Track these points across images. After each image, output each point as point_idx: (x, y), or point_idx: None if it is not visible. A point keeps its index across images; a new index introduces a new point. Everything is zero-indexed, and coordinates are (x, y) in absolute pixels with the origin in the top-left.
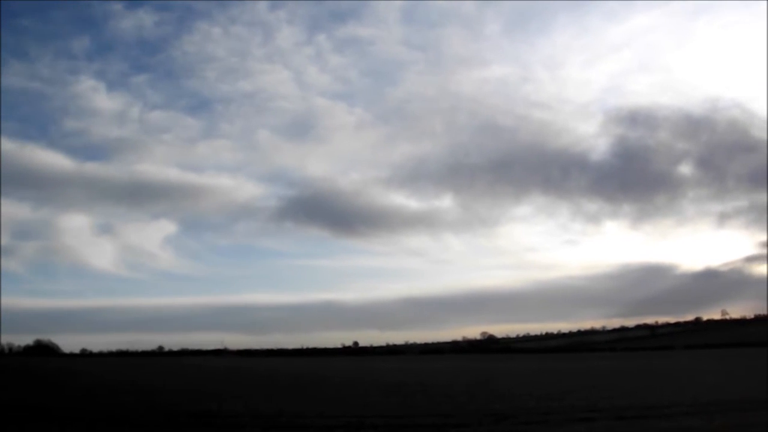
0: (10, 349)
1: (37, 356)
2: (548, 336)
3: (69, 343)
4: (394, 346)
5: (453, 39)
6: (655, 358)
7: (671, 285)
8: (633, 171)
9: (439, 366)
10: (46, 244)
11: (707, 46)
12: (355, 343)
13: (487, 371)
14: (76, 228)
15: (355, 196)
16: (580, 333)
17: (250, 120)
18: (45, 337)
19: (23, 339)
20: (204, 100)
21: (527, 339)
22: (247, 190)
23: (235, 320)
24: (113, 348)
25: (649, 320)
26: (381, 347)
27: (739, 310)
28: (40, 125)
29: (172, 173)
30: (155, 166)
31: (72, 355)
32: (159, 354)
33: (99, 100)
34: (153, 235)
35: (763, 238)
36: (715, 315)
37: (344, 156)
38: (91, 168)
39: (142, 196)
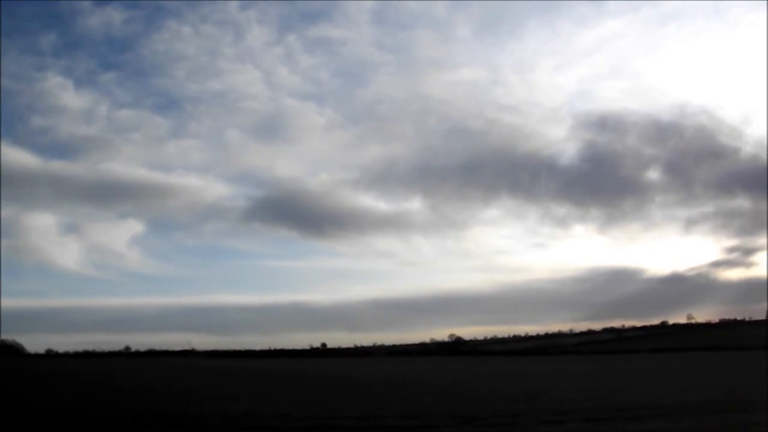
0: None
1: (1, 356)
2: (516, 338)
3: (34, 343)
4: (363, 347)
5: (424, 41)
6: (621, 361)
7: (638, 289)
8: (601, 176)
9: (407, 368)
10: (11, 243)
11: (676, 52)
12: (324, 345)
13: (455, 373)
14: (41, 227)
15: (324, 197)
16: (547, 336)
17: (220, 120)
18: (9, 337)
19: None
20: (173, 99)
21: (495, 341)
22: (215, 190)
23: (203, 321)
24: (79, 348)
25: (616, 324)
26: (349, 349)
27: (704, 314)
28: (5, 122)
29: (139, 172)
30: (123, 165)
31: (37, 356)
32: (125, 354)
33: (66, 97)
34: (120, 234)
35: (729, 243)
36: (681, 319)
37: (313, 157)
38: (58, 166)
39: (110, 195)
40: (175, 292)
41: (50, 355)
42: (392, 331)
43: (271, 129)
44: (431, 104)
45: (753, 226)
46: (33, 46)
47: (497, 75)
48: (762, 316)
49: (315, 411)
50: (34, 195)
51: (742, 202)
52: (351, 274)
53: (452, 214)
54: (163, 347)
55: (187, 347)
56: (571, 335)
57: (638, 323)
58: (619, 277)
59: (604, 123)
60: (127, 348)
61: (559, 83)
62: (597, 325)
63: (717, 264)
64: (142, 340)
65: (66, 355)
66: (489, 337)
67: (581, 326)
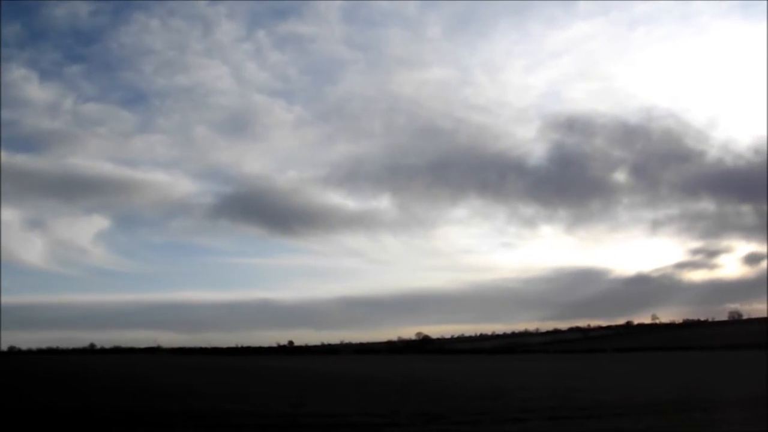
0: None
1: None
2: (483, 337)
3: None
4: (330, 345)
5: (394, 40)
6: (586, 360)
7: (604, 289)
8: (569, 176)
9: (374, 366)
10: None
11: (645, 56)
12: (291, 343)
13: (422, 371)
14: (5, 222)
15: (292, 195)
16: (514, 335)
17: (187, 115)
18: None
19: None
20: (140, 94)
21: (462, 340)
22: (182, 186)
23: (169, 318)
24: (43, 346)
25: (582, 323)
26: (316, 346)
27: (668, 314)
28: None
29: (105, 167)
30: (88, 160)
31: None
32: (90, 352)
33: (31, 90)
34: (85, 230)
35: (693, 245)
36: (646, 319)
37: (282, 154)
38: (22, 160)
39: (75, 190)
40: (141, 288)
41: (13, 353)
42: (359, 329)
43: (239, 125)
44: (401, 103)
45: (717, 229)
46: None
47: (467, 75)
48: (724, 317)
49: (281, 408)
50: None
51: (707, 204)
52: (319, 272)
53: (421, 212)
54: (129, 344)
55: (153, 344)
56: (538, 334)
57: (604, 323)
58: (586, 277)
59: (573, 124)
60: (92, 345)
61: (528, 84)
62: (563, 325)
63: (681, 265)
64: (107, 338)
65: (30, 353)
66: (456, 335)
67: (547, 325)
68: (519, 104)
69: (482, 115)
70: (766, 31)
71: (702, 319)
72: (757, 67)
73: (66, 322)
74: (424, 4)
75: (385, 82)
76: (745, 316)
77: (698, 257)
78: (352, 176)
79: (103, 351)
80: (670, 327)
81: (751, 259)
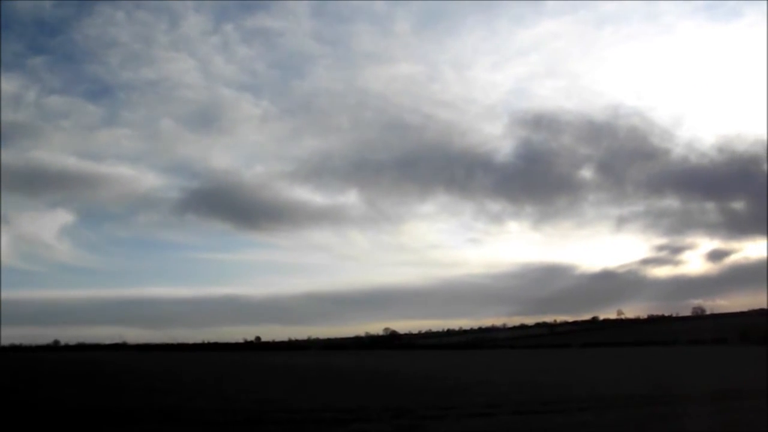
0: None
1: None
2: (450, 332)
3: None
4: (297, 341)
5: (363, 35)
6: (553, 355)
7: (570, 285)
8: (536, 173)
9: (341, 361)
10: None
11: (611, 54)
12: (258, 338)
13: (389, 367)
14: None
15: (259, 190)
16: (481, 330)
17: (153, 109)
18: None
19: None
20: (105, 87)
21: (429, 335)
22: (148, 180)
23: (135, 314)
24: (6, 342)
25: (549, 318)
26: (283, 342)
27: (634, 310)
28: None
29: (70, 161)
30: (52, 154)
31: None
32: (54, 348)
33: None
34: (49, 225)
35: (658, 242)
36: (611, 315)
37: (249, 148)
38: None
39: (38, 184)
40: (106, 284)
41: None
42: (327, 324)
43: (206, 119)
44: (368, 98)
45: (681, 226)
46: None
47: (435, 71)
48: (688, 313)
49: (247, 404)
50: None
51: (672, 202)
52: (286, 267)
53: (388, 208)
54: (94, 341)
55: (118, 341)
56: (505, 329)
57: (570, 318)
58: (552, 273)
59: (540, 121)
60: (56, 342)
61: (496, 81)
62: (530, 320)
63: (646, 261)
64: (72, 334)
65: None
66: (423, 330)
67: (514, 321)
68: (486, 101)
69: (450, 111)
70: (731, 32)
71: (666, 314)
72: (721, 68)
73: (29, 319)
74: (392, 0)
75: (353, 78)
76: (708, 312)
77: (663, 253)
78: (319, 171)
79: (68, 348)
80: (635, 322)
81: (715, 255)
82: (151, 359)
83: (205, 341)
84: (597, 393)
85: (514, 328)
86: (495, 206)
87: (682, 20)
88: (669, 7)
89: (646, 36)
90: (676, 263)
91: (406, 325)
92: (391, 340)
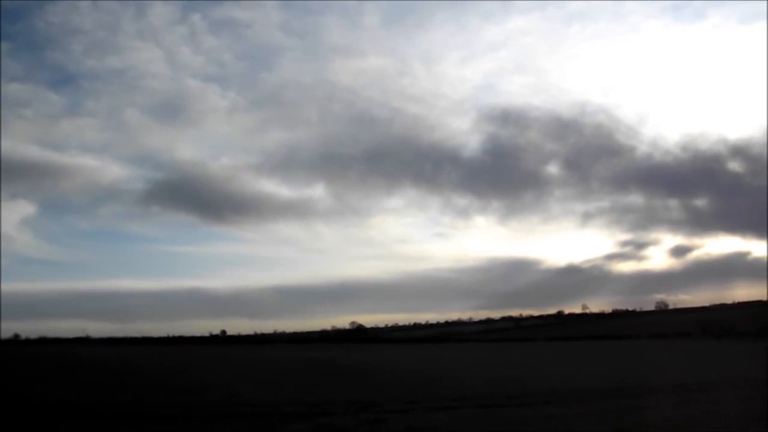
0: None
1: None
2: (416, 326)
3: None
4: (263, 334)
5: (332, 28)
6: (519, 349)
7: (536, 279)
8: (503, 168)
9: (307, 355)
10: None
11: (579, 52)
12: (223, 332)
13: (356, 360)
14: None
15: (225, 182)
16: (447, 324)
17: (118, 98)
18: None
19: None
20: (68, 75)
21: (396, 329)
22: (112, 171)
23: (98, 307)
24: None
25: (514, 313)
26: (249, 336)
27: (598, 304)
28: None
29: (31, 151)
30: (13, 143)
31: None
32: (15, 342)
33: None
34: (10, 216)
35: (622, 237)
36: (576, 309)
37: (215, 140)
38: None
39: None
40: (68, 277)
41: None
42: (293, 318)
43: (172, 110)
44: (337, 91)
45: (645, 222)
46: None
47: (404, 65)
48: (651, 307)
49: (211, 398)
50: None
51: (636, 198)
52: (252, 260)
53: (355, 201)
54: (56, 335)
55: (81, 335)
56: (471, 323)
57: (535, 312)
58: (518, 267)
59: (507, 117)
60: (17, 336)
61: (464, 76)
62: (496, 314)
63: (611, 257)
64: (33, 328)
65: None
66: (390, 324)
67: (480, 315)
68: (455, 96)
69: (418, 105)
70: (696, 33)
71: (630, 308)
72: (685, 68)
73: None
74: None
75: (321, 71)
76: (671, 306)
77: (627, 249)
78: (286, 164)
79: (29, 342)
80: (599, 316)
81: (677, 251)
82: (114, 353)
83: (170, 335)
84: (562, 386)
85: (480, 322)
86: (462, 201)
87: (648, 20)
88: (635, 7)
89: (613, 35)
90: (640, 258)
91: (372, 318)
92: (358, 333)
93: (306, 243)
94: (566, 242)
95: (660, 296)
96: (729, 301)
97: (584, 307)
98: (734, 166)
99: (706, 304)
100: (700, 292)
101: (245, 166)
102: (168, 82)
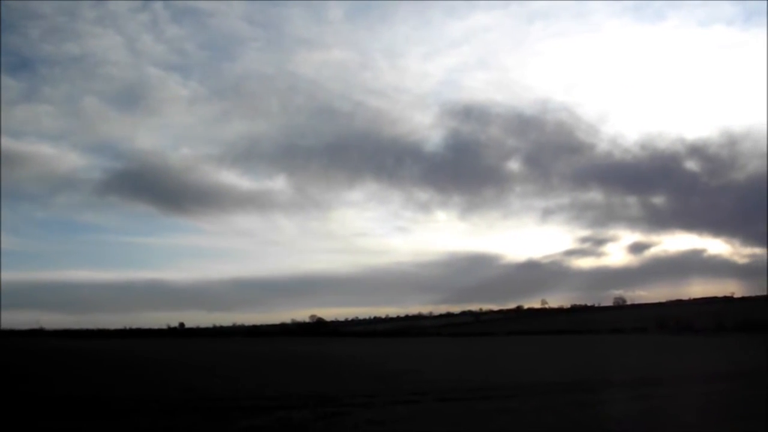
0: None
1: None
2: (376, 320)
3: None
4: (222, 327)
5: (295, 19)
6: (479, 343)
7: (496, 274)
8: (464, 163)
9: (266, 348)
10: None
11: (541, 50)
12: (182, 324)
13: (315, 354)
14: None
15: (185, 173)
16: (408, 318)
17: (76, 85)
18: None
19: None
20: (25, 60)
21: (356, 322)
22: (69, 160)
23: (54, 298)
24: None
25: (474, 307)
26: (208, 329)
27: (557, 299)
28: None
29: None
30: None
31: None
32: None
33: None
34: None
35: (582, 234)
36: (536, 304)
37: (176, 130)
38: None
39: None
40: (23, 267)
41: None
42: (253, 311)
43: (132, 98)
44: (299, 83)
45: (604, 219)
46: None
47: (367, 58)
48: (610, 303)
49: (169, 392)
50: None
51: (595, 195)
52: (211, 252)
53: (316, 194)
54: (9, 327)
55: (35, 326)
56: (431, 317)
57: (495, 307)
58: (478, 262)
59: (469, 112)
60: None
61: (427, 71)
62: (456, 308)
63: (570, 253)
64: None
65: None
66: (350, 318)
67: (441, 309)
68: (417, 90)
69: (380, 99)
70: (656, 33)
71: (589, 304)
72: (645, 67)
73: None
74: None
75: (284, 62)
76: (629, 302)
77: (586, 245)
78: (247, 155)
79: None
80: (558, 311)
81: (635, 248)
82: (69, 346)
83: (127, 327)
84: (521, 380)
85: (441, 316)
86: (423, 195)
87: (609, 19)
88: (598, 7)
89: (575, 34)
90: (599, 255)
91: (332, 312)
92: (318, 327)
93: (266, 235)
94: (526, 238)
95: (618, 292)
96: (685, 298)
97: (543, 302)
98: (691, 165)
99: (663, 300)
100: (657, 289)
101: (206, 157)
102: (128, 70)
